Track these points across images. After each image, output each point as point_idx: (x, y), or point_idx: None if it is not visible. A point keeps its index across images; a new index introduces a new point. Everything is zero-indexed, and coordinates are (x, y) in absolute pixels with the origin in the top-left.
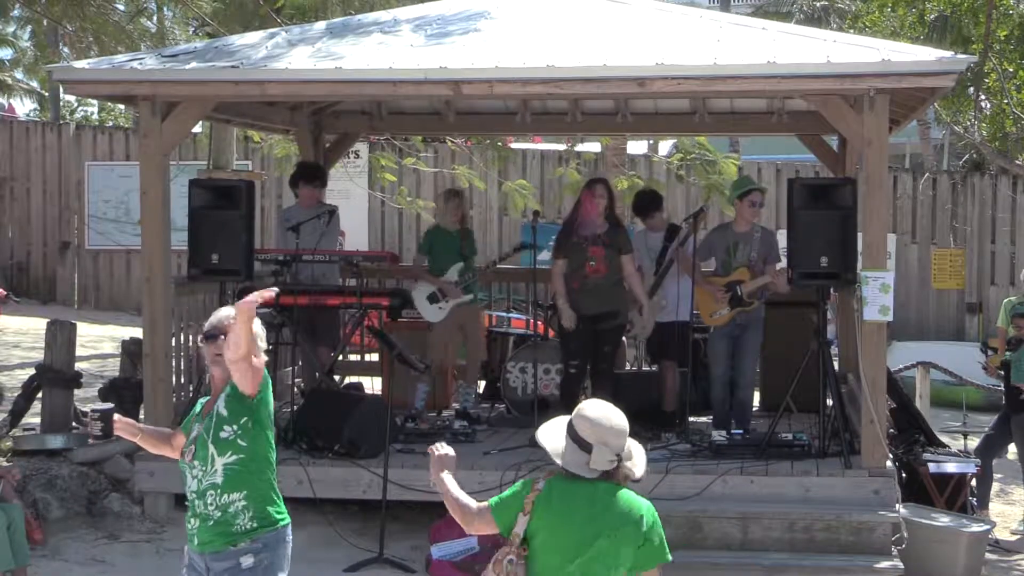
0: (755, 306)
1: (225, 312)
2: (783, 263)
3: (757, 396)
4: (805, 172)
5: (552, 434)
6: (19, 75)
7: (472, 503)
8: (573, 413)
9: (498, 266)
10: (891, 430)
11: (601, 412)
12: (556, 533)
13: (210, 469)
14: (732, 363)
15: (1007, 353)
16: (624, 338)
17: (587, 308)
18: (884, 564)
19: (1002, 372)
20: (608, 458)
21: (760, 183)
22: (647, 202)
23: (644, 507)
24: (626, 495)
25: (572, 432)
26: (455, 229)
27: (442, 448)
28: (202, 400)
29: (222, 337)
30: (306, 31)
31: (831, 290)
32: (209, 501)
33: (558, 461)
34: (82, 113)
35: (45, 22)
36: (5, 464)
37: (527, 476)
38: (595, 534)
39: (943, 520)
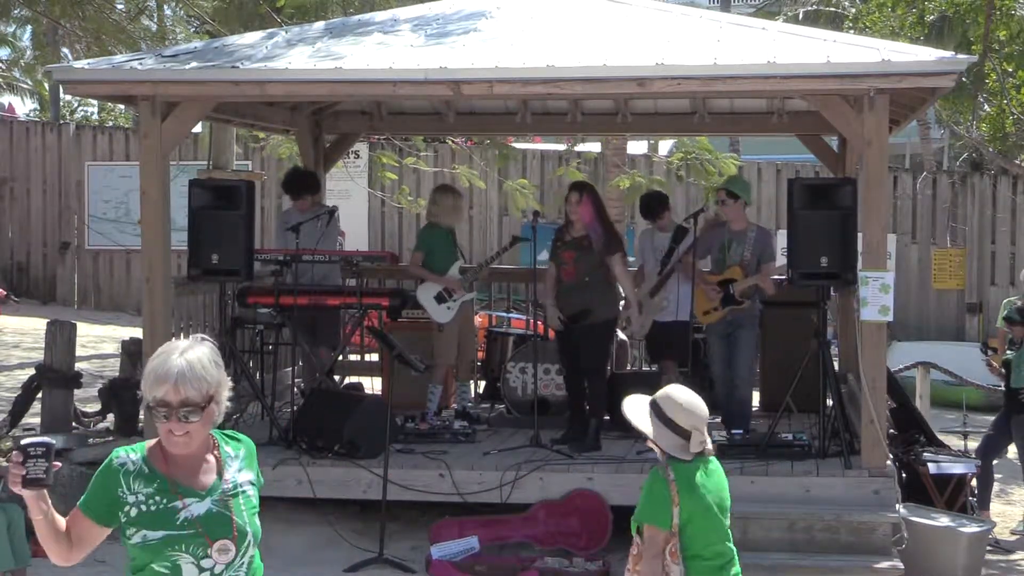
0: (746, 305)
1: (183, 381)
2: (780, 262)
3: (757, 396)
4: (805, 172)
5: (641, 415)
6: (17, 74)
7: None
8: (661, 398)
9: (492, 264)
10: (891, 430)
11: (689, 399)
12: (707, 514)
13: (238, 562)
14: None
15: (1008, 352)
16: (624, 338)
17: (563, 309)
18: (884, 564)
19: (1004, 371)
20: (700, 439)
21: (760, 183)
22: (654, 204)
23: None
24: (719, 466)
25: (665, 418)
26: (449, 227)
27: None
28: (139, 464)
29: (189, 412)
30: (306, 31)
31: (831, 290)
32: None
33: (659, 445)
34: (82, 113)
35: (45, 22)
36: (5, 464)
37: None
38: (723, 507)
39: (943, 520)
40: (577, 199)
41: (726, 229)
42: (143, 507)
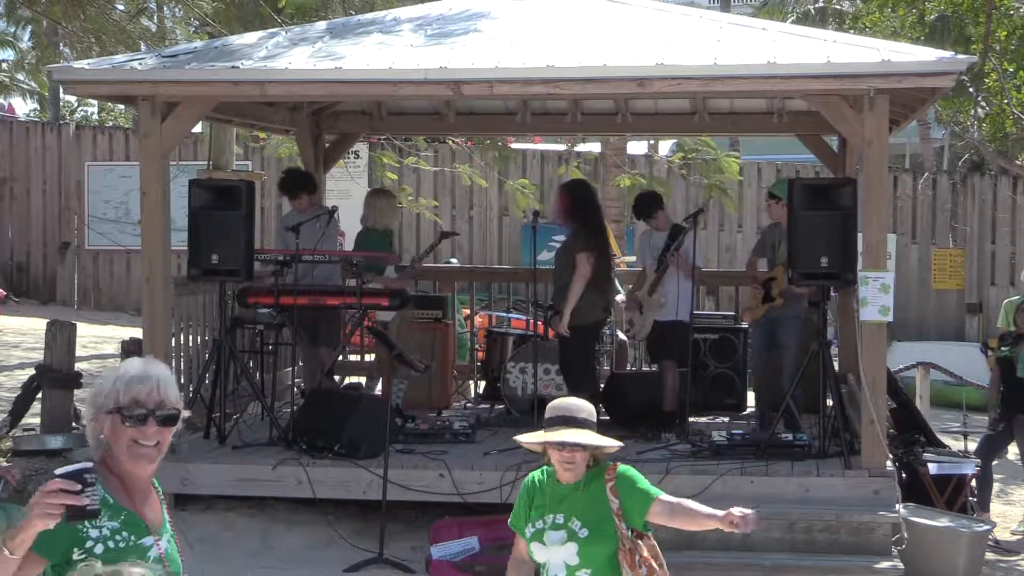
0: (779, 303)
1: (163, 384)
2: None
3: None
4: (805, 172)
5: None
6: (22, 76)
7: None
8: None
9: (424, 261)
10: (891, 430)
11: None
12: None
13: None
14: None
15: (1003, 348)
16: (624, 338)
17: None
18: (884, 564)
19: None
20: None
21: (760, 183)
22: (648, 204)
23: None
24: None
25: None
26: (383, 229)
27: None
28: (102, 511)
29: (154, 420)
30: (306, 31)
31: (831, 290)
32: None
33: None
34: (82, 113)
35: (45, 22)
36: (5, 464)
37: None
38: None
39: (943, 520)
40: (554, 196)
41: (779, 229)
42: (110, 543)
